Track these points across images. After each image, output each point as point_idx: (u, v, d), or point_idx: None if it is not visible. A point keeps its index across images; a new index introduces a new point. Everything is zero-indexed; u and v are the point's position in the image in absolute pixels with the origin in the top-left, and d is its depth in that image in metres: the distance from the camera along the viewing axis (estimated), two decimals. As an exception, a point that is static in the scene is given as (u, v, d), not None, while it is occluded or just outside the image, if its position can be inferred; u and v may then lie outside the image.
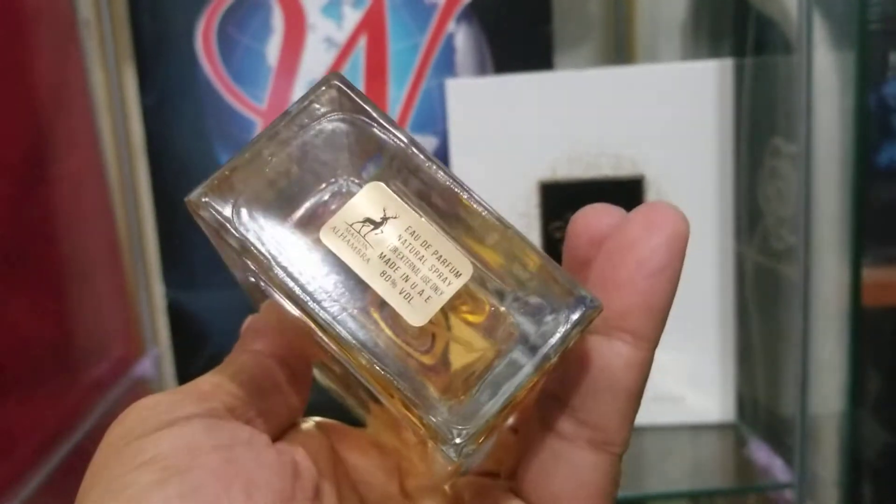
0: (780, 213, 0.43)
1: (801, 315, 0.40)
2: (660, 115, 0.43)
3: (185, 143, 0.47)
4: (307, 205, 0.17)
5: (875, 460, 0.44)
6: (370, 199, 0.17)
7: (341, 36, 0.45)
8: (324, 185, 0.17)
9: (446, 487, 0.20)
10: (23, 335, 0.41)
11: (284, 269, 0.16)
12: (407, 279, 0.16)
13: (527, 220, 0.44)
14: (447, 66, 0.45)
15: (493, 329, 0.16)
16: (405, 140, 0.17)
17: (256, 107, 0.46)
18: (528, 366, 0.16)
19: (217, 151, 0.47)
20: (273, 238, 0.17)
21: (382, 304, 0.16)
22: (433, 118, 0.45)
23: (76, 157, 0.49)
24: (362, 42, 0.45)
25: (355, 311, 0.16)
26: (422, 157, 0.17)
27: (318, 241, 0.16)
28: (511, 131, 0.43)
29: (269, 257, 0.16)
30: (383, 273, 0.16)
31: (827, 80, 0.40)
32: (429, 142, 0.46)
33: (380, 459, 0.21)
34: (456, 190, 0.17)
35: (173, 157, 0.47)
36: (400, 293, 0.16)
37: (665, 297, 0.17)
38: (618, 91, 0.43)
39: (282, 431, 0.19)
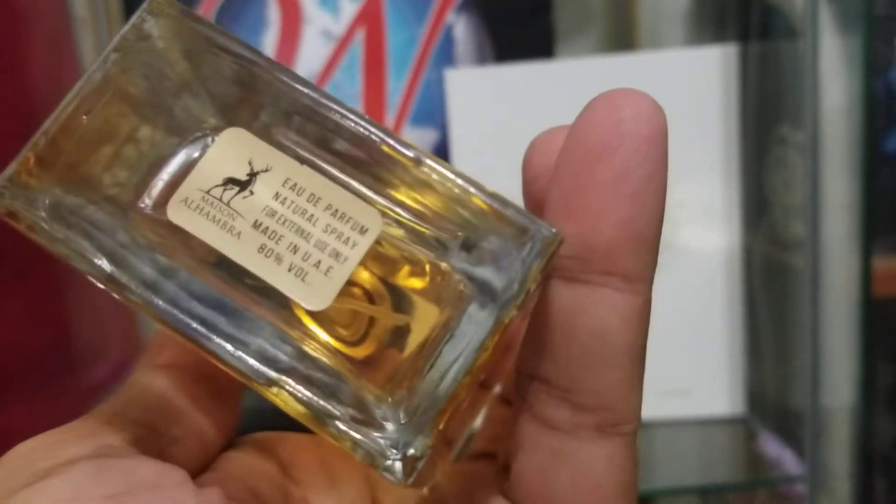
0: (788, 202, 0.42)
1: (810, 306, 0.40)
2: (663, 103, 0.42)
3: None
4: (165, 176, 0.13)
5: (886, 452, 0.43)
6: (229, 152, 0.12)
7: (339, 28, 0.45)
8: (188, 143, 0.13)
9: (425, 491, 0.17)
10: (21, 338, 0.41)
11: (129, 277, 0.12)
12: (295, 249, 0.12)
13: (530, 213, 0.43)
14: (447, 57, 0.44)
15: (440, 291, 0.13)
16: (285, 75, 0.12)
17: (253, 102, 0.46)
18: (478, 333, 0.12)
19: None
20: (118, 232, 0.13)
21: None
22: (433, 111, 0.45)
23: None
24: (360, 35, 0.45)
25: (248, 312, 0.12)
26: (313, 93, 0.12)
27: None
28: (513, 122, 0.43)
29: (107, 266, 0.12)
30: (262, 248, 0.12)
31: (833, 65, 0.40)
32: (429, 135, 0.45)
33: (347, 472, 0.17)
34: (358, 128, 0.12)
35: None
36: (289, 271, 0.12)
37: (656, 219, 0.13)
38: (620, 79, 0.42)
39: (208, 459, 0.16)
